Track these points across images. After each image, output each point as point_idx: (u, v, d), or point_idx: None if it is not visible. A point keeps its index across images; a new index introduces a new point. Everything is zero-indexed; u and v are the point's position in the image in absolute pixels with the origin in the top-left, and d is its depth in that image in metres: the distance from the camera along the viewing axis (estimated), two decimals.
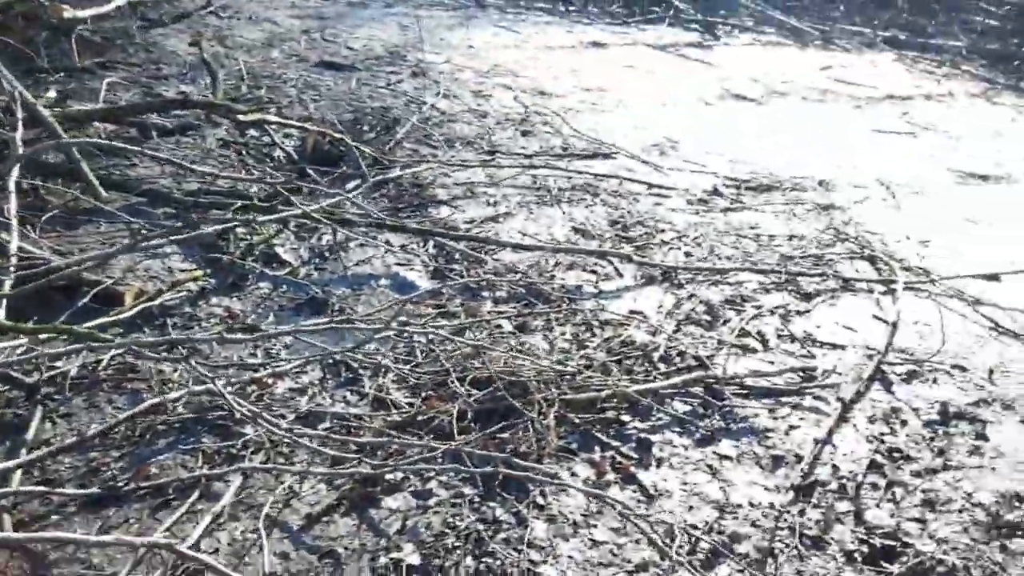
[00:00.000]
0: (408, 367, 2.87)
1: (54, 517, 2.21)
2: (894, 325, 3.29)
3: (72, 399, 2.65)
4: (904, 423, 2.79)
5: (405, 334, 3.04)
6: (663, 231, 4.09)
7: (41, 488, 2.20)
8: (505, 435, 2.50)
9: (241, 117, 4.36)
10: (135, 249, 3.32)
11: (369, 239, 3.81)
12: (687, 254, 3.87)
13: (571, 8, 9.10)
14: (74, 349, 2.59)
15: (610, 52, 7.57)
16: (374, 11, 8.47)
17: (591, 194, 4.44)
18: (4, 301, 2.90)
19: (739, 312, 3.38)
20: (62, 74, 5.24)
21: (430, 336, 2.97)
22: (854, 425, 2.77)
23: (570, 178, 4.61)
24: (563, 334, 3.16)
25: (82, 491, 2.24)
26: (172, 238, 3.40)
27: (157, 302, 3.18)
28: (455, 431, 2.50)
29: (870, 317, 3.43)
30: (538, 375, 2.72)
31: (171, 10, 7.13)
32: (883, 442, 2.68)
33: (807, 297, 3.54)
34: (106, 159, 4.23)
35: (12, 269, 3.09)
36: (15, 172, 3.47)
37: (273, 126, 4.52)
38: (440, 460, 2.37)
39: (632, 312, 3.34)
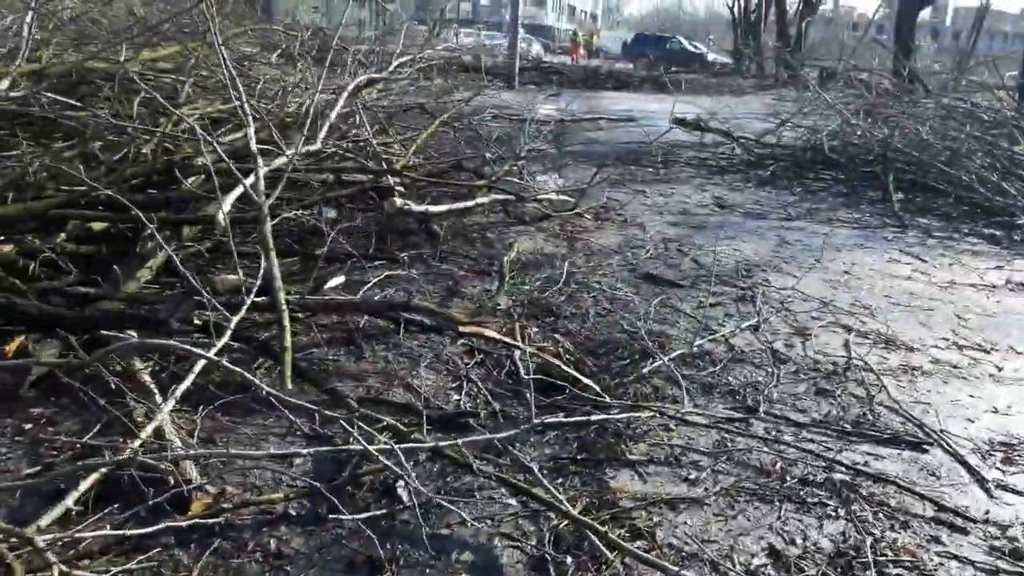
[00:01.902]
0: None
1: None
2: None
3: None
4: None
5: None
6: None
7: None
8: None
9: (462, 328, 4.08)
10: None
11: (498, 494, 3.15)
12: None
13: (1018, 238, 7.28)
14: None
15: None
16: (764, 223, 7.79)
17: (840, 498, 3.14)
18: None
19: None
20: (382, 262, 5.59)
21: None
22: None
23: (828, 466, 3.35)
24: None
25: None
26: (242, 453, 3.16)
27: (218, 519, 2.95)
28: None
29: None
30: None
31: (529, 212, 7.36)
32: None
33: None
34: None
35: (129, 452, 3.14)
36: (213, 349, 3.57)
37: (494, 340, 4.14)
38: None
39: None
